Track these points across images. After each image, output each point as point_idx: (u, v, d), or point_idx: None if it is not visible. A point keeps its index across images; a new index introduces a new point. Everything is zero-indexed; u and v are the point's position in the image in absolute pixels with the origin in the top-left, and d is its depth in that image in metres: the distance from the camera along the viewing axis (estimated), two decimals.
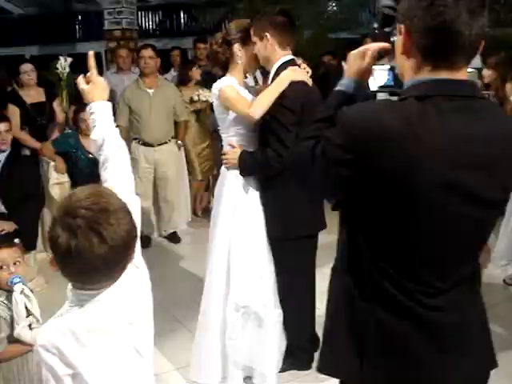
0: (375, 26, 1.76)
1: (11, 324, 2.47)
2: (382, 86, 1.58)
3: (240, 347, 3.17)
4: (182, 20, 11.05)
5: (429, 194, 1.37)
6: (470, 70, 1.53)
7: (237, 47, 3.12)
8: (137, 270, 1.69)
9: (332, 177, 1.49)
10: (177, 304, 4.24)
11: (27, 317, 2.48)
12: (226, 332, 3.18)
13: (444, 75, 1.41)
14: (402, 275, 1.46)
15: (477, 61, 1.58)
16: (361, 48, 1.69)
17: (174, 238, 5.87)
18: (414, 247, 1.45)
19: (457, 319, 1.51)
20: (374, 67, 1.60)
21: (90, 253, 1.41)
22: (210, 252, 3.30)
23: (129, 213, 1.50)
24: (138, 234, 1.61)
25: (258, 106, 2.97)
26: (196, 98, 5.97)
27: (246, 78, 3.34)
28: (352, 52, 1.69)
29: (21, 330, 2.44)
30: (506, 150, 1.42)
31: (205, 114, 6.18)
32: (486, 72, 4.85)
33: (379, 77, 1.60)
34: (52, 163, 5.24)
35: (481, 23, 1.36)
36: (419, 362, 1.50)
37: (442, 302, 1.49)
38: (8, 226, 4.25)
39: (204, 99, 5.91)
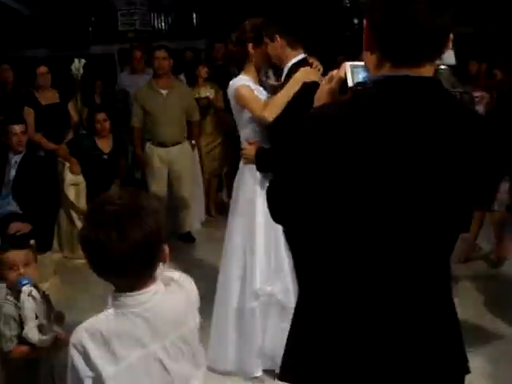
0: (355, 21, 1.76)
1: (21, 323, 2.49)
2: (358, 83, 1.57)
3: (257, 335, 3.22)
4: (195, 21, 11.07)
5: (368, 195, 1.33)
6: (442, 66, 1.51)
7: (250, 47, 3.15)
8: (181, 289, 1.69)
9: None
10: None
11: (36, 319, 2.48)
12: (242, 320, 3.24)
13: (404, 72, 1.36)
14: (357, 281, 1.42)
15: (451, 57, 1.56)
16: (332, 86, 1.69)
17: (188, 237, 5.88)
18: (365, 252, 1.40)
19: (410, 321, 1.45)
20: (350, 64, 1.58)
21: (109, 248, 1.43)
22: (227, 244, 3.38)
23: (157, 216, 1.50)
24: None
25: (272, 109, 3.00)
26: (197, 95, 6.05)
27: (266, 76, 3.38)
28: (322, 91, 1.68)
29: (28, 331, 2.45)
30: (468, 150, 1.37)
31: (208, 111, 6.23)
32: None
33: (355, 73, 1.59)
34: (67, 164, 5.28)
35: (443, 19, 1.31)
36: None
37: (394, 306, 1.44)
38: (24, 227, 4.28)
39: (204, 95, 5.99)
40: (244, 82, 3.15)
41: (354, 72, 1.60)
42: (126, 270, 1.48)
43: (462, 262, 4.90)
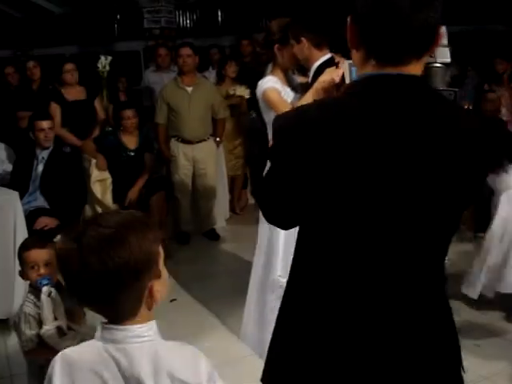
0: None
1: (40, 322, 2.47)
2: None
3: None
4: (220, 18, 11.09)
5: (356, 196, 1.28)
6: (436, 64, 1.47)
7: (276, 47, 3.16)
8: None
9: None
10: (216, 300, 4.26)
11: (55, 320, 2.46)
12: (263, 312, 3.35)
13: (389, 70, 1.31)
14: (348, 281, 1.37)
15: (445, 55, 1.52)
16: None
17: (212, 234, 5.89)
18: (352, 256, 1.35)
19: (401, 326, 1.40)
20: (349, 62, 1.56)
21: (73, 271, 1.33)
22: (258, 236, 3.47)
23: (140, 249, 1.32)
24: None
25: None
26: (232, 92, 6.06)
27: (293, 73, 3.39)
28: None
29: (45, 332, 2.43)
30: (457, 150, 1.32)
31: (239, 110, 6.24)
32: None
33: (353, 72, 1.57)
34: (93, 160, 5.32)
35: (427, 15, 1.26)
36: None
37: (386, 310, 1.38)
38: (51, 222, 4.33)
39: (239, 94, 5.99)
40: (272, 84, 3.15)
41: (352, 70, 1.58)
42: (91, 299, 1.36)
43: None
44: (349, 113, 1.29)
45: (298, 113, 1.41)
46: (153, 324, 1.42)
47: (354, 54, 1.38)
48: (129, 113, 5.34)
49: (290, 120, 1.37)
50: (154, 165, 5.55)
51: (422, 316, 1.41)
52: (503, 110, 5.56)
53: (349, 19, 1.35)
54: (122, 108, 5.48)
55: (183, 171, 5.62)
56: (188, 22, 11.24)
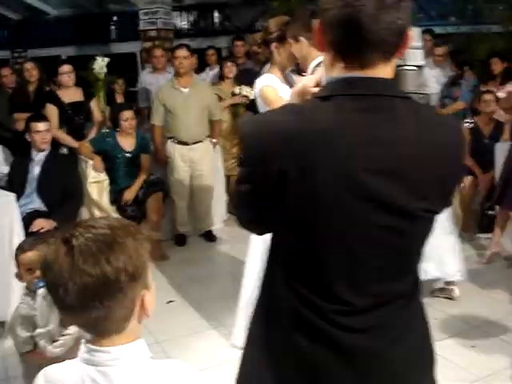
0: None
1: (36, 325, 2.47)
2: None
3: None
4: (217, 19, 11.09)
5: (329, 201, 1.24)
6: (407, 67, 1.45)
7: (273, 46, 3.16)
8: None
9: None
10: (213, 301, 4.26)
11: (47, 325, 2.45)
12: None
13: (356, 73, 1.29)
14: (316, 294, 1.33)
15: (418, 58, 1.51)
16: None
17: (209, 236, 5.89)
18: (323, 261, 1.31)
19: (376, 344, 1.35)
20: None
21: (54, 280, 1.22)
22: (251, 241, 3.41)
23: (122, 264, 1.22)
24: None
25: None
26: (238, 91, 6.11)
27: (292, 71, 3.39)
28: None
29: (37, 336, 2.43)
30: (424, 156, 1.28)
31: (240, 110, 6.26)
32: None
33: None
34: (90, 162, 5.32)
35: (393, 16, 1.23)
36: None
37: (358, 323, 1.34)
38: (47, 224, 4.32)
39: (245, 93, 6.04)
40: (268, 82, 3.16)
41: None
42: (78, 308, 1.23)
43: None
44: (312, 117, 1.27)
45: (262, 119, 1.40)
46: (139, 343, 1.30)
47: (324, 56, 1.36)
48: (127, 114, 5.34)
49: (254, 126, 1.36)
50: (150, 166, 5.55)
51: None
52: (498, 111, 5.56)
53: (316, 22, 1.34)
54: (121, 109, 5.48)
55: (179, 172, 5.62)
56: (185, 23, 11.23)
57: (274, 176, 1.26)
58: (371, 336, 1.35)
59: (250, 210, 1.41)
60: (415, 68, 1.50)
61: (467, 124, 5.70)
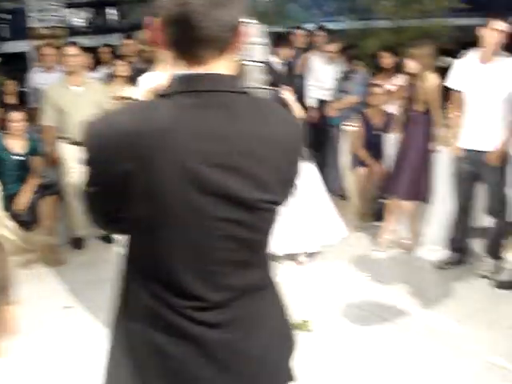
0: None
1: None
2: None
3: None
4: (113, 17, 10.90)
5: (169, 198, 1.26)
6: (247, 63, 1.49)
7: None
8: None
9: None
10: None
11: None
12: None
13: (194, 70, 1.31)
14: (170, 291, 1.34)
15: (259, 54, 1.55)
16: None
17: (107, 238, 5.72)
18: (171, 258, 1.32)
19: (233, 337, 1.38)
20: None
21: None
22: None
23: None
24: None
25: None
26: (120, 93, 5.95)
27: None
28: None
29: None
30: (259, 150, 1.31)
31: None
32: (410, 63, 4.94)
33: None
34: None
35: (223, 13, 1.26)
36: (197, 381, 1.39)
37: (214, 317, 1.36)
38: None
39: (126, 95, 5.88)
40: (149, 85, 3.10)
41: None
42: None
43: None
44: (150, 116, 1.28)
45: (104, 120, 1.37)
46: None
47: (168, 54, 1.36)
48: (15, 116, 5.12)
49: (96, 127, 1.34)
50: (42, 169, 5.35)
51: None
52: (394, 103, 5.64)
53: (156, 20, 1.34)
54: (9, 110, 5.24)
55: (73, 174, 5.44)
56: (81, 20, 10.97)
57: (118, 177, 1.26)
58: (227, 330, 1.37)
59: (101, 212, 1.40)
60: (257, 64, 1.52)
61: (355, 118, 5.86)
